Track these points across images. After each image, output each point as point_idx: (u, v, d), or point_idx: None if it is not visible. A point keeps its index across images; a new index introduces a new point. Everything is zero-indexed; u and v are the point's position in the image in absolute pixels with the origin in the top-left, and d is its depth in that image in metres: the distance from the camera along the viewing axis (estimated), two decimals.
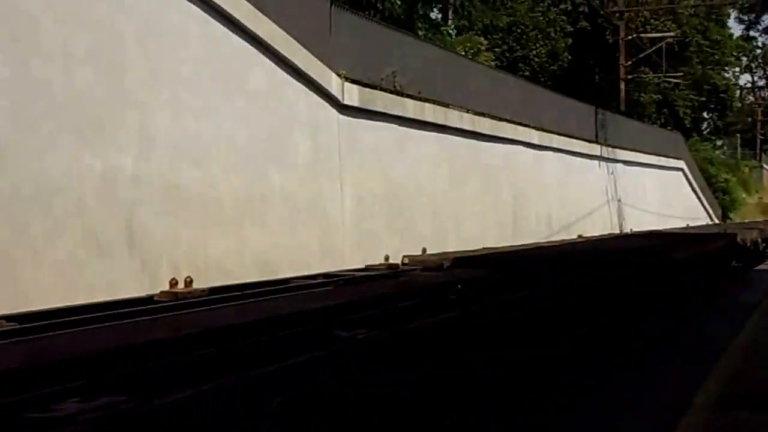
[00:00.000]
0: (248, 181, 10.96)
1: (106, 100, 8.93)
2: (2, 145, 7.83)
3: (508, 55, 32.91)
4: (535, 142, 20.69)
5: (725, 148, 59.36)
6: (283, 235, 11.39)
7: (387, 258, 7.84)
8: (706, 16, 44.89)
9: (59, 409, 2.57)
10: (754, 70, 66.15)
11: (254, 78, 11.25)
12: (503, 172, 18.88)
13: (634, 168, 29.16)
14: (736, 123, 59.63)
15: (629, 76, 35.78)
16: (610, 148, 26.76)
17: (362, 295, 5.32)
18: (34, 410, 2.57)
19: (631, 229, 24.12)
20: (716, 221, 36.06)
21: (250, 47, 11.12)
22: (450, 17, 27.89)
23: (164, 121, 9.68)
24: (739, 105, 60.77)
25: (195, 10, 10.18)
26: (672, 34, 37.33)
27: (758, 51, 63.65)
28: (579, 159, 24.03)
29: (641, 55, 35.70)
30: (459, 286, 5.56)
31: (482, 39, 27.18)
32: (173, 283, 5.46)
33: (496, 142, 18.49)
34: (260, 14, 11.12)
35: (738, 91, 59.53)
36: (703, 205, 37.42)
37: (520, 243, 14.63)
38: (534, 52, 34.23)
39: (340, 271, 7.54)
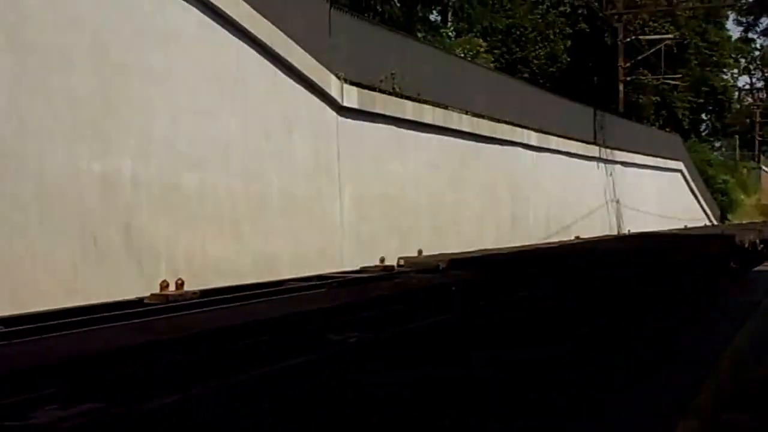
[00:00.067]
0: (247, 183, 10.95)
1: (105, 102, 8.92)
2: (1, 147, 7.82)
3: (507, 56, 32.90)
4: (534, 143, 20.68)
5: (724, 149, 59.49)
6: (283, 236, 11.38)
7: (382, 260, 7.80)
8: (705, 19, 44.98)
9: (35, 416, 2.52)
10: (753, 72, 66.36)
11: (253, 80, 11.24)
12: (502, 173, 18.87)
13: (632, 169, 29.15)
14: (734, 124, 59.65)
15: (628, 78, 35.82)
16: (608, 150, 26.75)
17: (355, 298, 5.29)
18: (10, 418, 2.52)
19: (629, 231, 24.11)
20: (715, 222, 36.07)
21: (250, 49, 11.11)
22: (449, 19, 27.92)
23: (163, 123, 9.67)
24: (738, 106, 60.92)
25: (194, 11, 10.18)
26: (670, 36, 37.39)
27: (756, 53, 63.87)
28: (578, 160, 24.03)
29: (640, 57, 35.75)
30: (453, 288, 5.54)
31: (481, 41, 27.21)
32: (164, 285, 5.36)
33: (494, 144, 18.49)
34: (260, 16, 11.11)
35: (736, 93, 59.79)
36: (701, 206, 37.41)
37: (518, 244, 14.63)
38: (533, 54, 34.22)
39: (335, 273, 7.49)
